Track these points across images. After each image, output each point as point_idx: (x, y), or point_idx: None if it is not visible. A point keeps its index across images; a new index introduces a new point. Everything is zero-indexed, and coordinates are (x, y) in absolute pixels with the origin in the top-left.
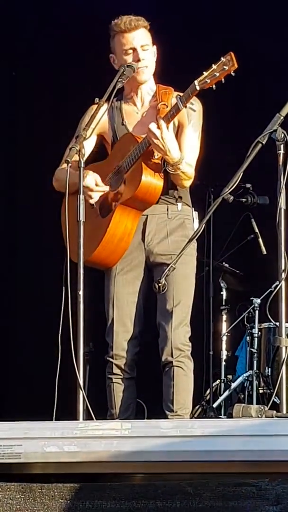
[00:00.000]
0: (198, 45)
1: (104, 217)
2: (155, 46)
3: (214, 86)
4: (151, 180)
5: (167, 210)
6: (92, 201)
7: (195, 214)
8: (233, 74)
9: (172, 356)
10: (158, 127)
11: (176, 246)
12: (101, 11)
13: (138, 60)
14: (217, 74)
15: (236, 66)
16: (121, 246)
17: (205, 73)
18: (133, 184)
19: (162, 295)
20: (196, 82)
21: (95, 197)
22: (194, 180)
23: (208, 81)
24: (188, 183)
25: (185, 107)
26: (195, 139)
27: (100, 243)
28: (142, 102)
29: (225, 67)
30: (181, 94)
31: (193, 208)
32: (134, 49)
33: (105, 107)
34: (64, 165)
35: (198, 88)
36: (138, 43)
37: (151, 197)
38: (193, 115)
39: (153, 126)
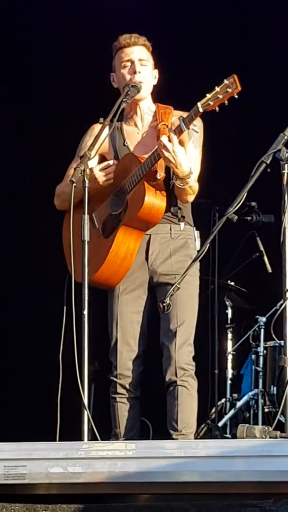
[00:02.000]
0: (201, 64)
1: (106, 238)
2: (156, 70)
3: (217, 108)
4: (154, 201)
5: (170, 229)
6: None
7: (197, 233)
8: (236, 96)
9: (176, 376)
10: (170, 140)
11: (180, 266)
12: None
13: (134, 73)
14: (220, 97)
15: (239, 88)
16: (124, 266)
17: (208, 96)
18: (136, 205)
19: (166, 314)
20: (199, 104)
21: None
22: (197, 197)
23: (211, 103)
24: (192, 198)
25: (188, 128)
26: (197, 155)
27: (103, 264)
28: (143, 122)
29: (228, 89)
30: (182, 113)
31: (194, 228)
32: (132, 62)
33: (92, 128)
34: (66, 182)
35: (201, 110)
36: (136, 56)
37: (154, 218)
38: (193, 132)
39: (164, 139)
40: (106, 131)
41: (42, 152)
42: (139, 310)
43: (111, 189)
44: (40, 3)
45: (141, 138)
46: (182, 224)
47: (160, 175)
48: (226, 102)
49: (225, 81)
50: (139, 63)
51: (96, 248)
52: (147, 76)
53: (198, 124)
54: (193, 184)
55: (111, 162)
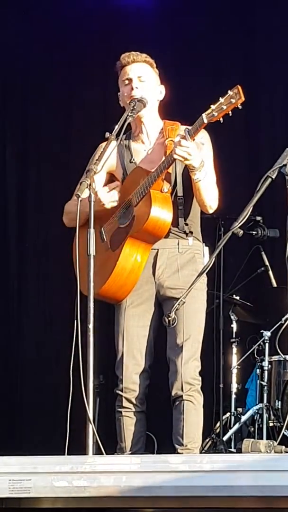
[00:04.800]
0: (208, 80)
1: (114, 251)
2: (162, 86)
3: (221, 119)
4: (160, 213)
5: (178, 244)
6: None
7: (206, 249)
8: (240, 107)
9: (182, 391)
10: (182, 138)
11: (187, 281)
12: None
13: (131, 89)
14: (225, 107)
15: (243, 99)
16: (131, 279)
17: (213, 107)
18: (143, 217)
19: (172, 329)
20: (204, 115)
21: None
22: (203, 212)
23: (216, 114)
24: (213, 204)
25: (193, 140)
26: (210, 167)
27: (110, 276)
28: (149, 139)
29: (232, 100)
30: (189, 127)
31: (204, 244)
32: (130, 80)
33: (115, 142)
34: (74, 199)
35: (205, 121)
36: (135, 74)
37: (160, 231)
38: (201, 147)
39: (177, 138)
40: (113, 145)
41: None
42: (146, 324)
43: (119, 203)
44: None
45: (148, 154)
46: (190, 239)
47: (167, 187)
48: (230, 113)
49: (229, 92)
50: (137, 79)
51: (104, 262)
52: (146, 92)
53: (204, 136)
54: (211, 181)
55: (115, 185)
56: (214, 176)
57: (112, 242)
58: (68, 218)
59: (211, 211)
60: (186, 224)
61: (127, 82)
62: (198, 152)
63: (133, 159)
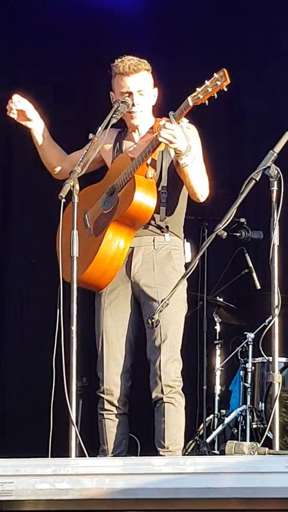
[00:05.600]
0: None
1: (97, 236)
2: (156, 89)
3: (207, 102)
4: (144, 198)
5: (153, 241)
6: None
7: (187, 245)
8: (225, 89)
9: (162, 393)
10: (167, 121)
11: (162, 279)
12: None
13: (133, 105)
14: (210, 90)
15: (228, 81)
16: (113, 265)
17: (198, 89)
18: (126, 201)
19: (151, 331)
20: (189, 98)
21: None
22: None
23: (201, 96)
24: (204, 191)
25: (178, 123)
26: (198, 153)
27: (92, 262)
28: (140, 138)
29: (217, 82)
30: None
31: (185, 240)
32: (130, 93)
33: (100, 140)
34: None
35: (191, 104)
36: (135, 88)
37: (143, 215)
38: (189, 138)
39: (161, 122)
40: (96, 146)
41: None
42: (125, 323)
43: (104, 189)
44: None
45: (134, 149)
46: (166, 235)
47: (152, 173)
48: (215, 95)
49: (215, 75)
50: (137, 94)
51: (87, 248)
52: (145, 105)
53: (192, 130)
54: (199, 166)
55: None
56: (203, 164)
57: (96, 227)
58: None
59: (202, 199)
60: (163, 220)
61: (126, 94)
62: (184, 135)
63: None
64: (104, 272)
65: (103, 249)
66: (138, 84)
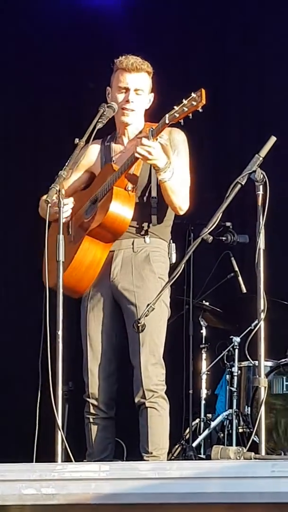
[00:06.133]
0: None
1: (75, 244)
2: (152, 94)
3: (182, 121)
4: (120, 210)
5: (133, 244)
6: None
7: (173, 246)
8: (200, 110)
9: (144, 398)
10: (144, 137)
11: (140, 282)
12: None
13: (127, 102)
14: (186, 109)
15: (204, 102)
16: (89, 274)
17: (176, 108)
18: (103, 212)
19: (131, 335)
20: (166, 116)
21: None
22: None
23: (177, 115)
24: (183, 204)
25: (155, 140)
26: (183, 167)
27: (67, 270)
28: (129, 141)
29: (193, 102)
30: (170, 129)
31: (170, 241)
32: (127, 90)
33: (87, 150)
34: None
35: (167, 121)
36: (134, 85)
37: (119, 227)
38: (177, 145)
39: (141, 136)
40: (82, 150)
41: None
42: (108, 327)
43: (89, 196)
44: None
45: (123, 153)
46: (147, 237)
47: (131, 186)
48: (190, 115)
49: (193, 94)
50: (134, 92)
51: (67, 254)
52: (139, 105)
53: (180, 136)
54: (177, 181)
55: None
56: (185, 176)
57: (75, 235)
58: (41, 213)
59: (181, 212)
60: (145, 223)
61: (123, 90)
62: (161, 151)
63: (114, 160)
64: (79, 280)
65: (78, 258)
66: (136, 82)
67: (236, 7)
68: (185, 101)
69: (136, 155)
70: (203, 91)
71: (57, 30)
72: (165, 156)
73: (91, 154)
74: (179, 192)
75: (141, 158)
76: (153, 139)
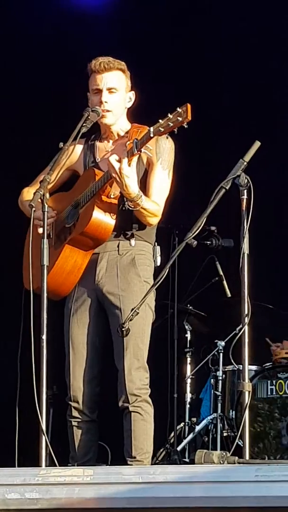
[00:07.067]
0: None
1: (56, 249)
2: (132, 92)
3: (167, 135)
4: (102, 218)
5: (118, 246)
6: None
7: (158, 248)
8: (185, 126)
9: (128, 402)
10: (119, 161)
11: (125, 285)
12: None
13: (101, 103)
14: (171, 124)
15: (189, 118)
16: (70, 279)
17: (161, 121)
18: (85, 220)
19: (115, 339)
20: (151, 129)
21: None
22: (160, 221)
23: (162, 129)
24: (153, 220)
25: (140, 152)
26: (164, 177)
27: (48, 274)
28: (115, 140)
29: (179, 118)
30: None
31: (155, 244)
32: (100, 91)
33: (70, 150)
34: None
35: (152, 135)
36: (106, 85)
37: (100, 235)
38: (162, 153)
39: (112, 159)
40: (66, 155)
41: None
42: (92, 330)
43: (71, 199)
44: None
45: (108, 153)
46: (132, 240)
47: (114, 193)
48: (175, 130)
49: (178, 109)
50: (107, 92)
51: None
52: (115, 104)
53: (167, 144)
54: (148, 206)
55: (54, 213)
56: (164, 185)
57: (56, 240)
58: (21, 208)
59: (150, 225)
60: (130, 226)
61: (96, 91)
62: (135, 183)
63: (97, 159)
64: (60, 285)
65: (59, 263)
66: (108, 81)
67: (221, 12)
68: (170, 116)
69: (113, 175)
70: (189, 106)
71: (43, 31)
72: (135, 187)
73: (74, 152)
74: (148, 214)
75: (115, 181)
76: (137, 152)
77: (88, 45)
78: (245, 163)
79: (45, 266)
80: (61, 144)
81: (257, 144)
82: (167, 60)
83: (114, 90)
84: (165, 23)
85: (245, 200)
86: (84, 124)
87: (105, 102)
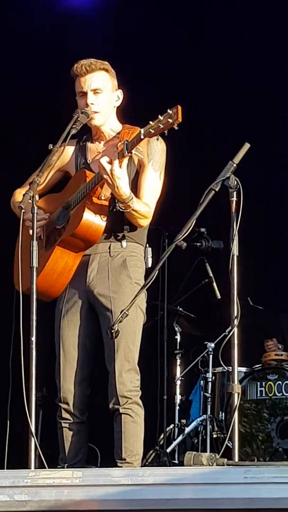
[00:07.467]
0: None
1: (46, 251)
2: (119, 91)
3: (158, 136)
4: (93, 220)
5: (109, 248)
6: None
7: (149, 250)
8: (176, 128)
9: (118, 404)
10: (110, 162)
11: (116, 287)
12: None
13: (87, 105)
14: (162, 126)
15: (179, 120)
16: (60, 281)
17: (151, 123)
18: (76, 221)
19: (106, 340)
20: (142, 130)
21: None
22: (151, 222)
23: (153, 131)
24: (144, 222)
25: (130, 153)
26: (155, 178)
27: (38, 276)
28: (107, 141)
29: (169, 120)
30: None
31: (146, 245)
32: (85, 93)
33: (59, 152)
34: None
35: (142, 137)
36: (90, 87)
37: (91, 237)
38: (154, 154)
39: (103, 160)
40: (57, 156)
41: None
42: (82, 332)
43: (62, 201)
44: None
45: (99, 154)
46: (123, 242)
47: (105, 195)
48: (166, 132)
49: (169, 111)
50: (92, 93)
51: (39, 260)
52: (102, 104)
53: (159, 145)
54: (139, 208)
55: (46, 216)
56: (155, 187)
57: (47, 241)
58: (13, 209)
59: (141, 226)
60: (122, 228)
61: (81, 94)
62: (126, 185)
63: (89, 160)
64: (51, 286)
65: (49, 265)
66: (91, 83)
67: (212, 13)
68: (161, 117)
69: (104, 176)
70: (179, 108)
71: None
72: (127, 189)
73: (65, 153)
74: (138, 215)
75: (106, 183)
76: (128, 153)
77: (88, 45)
78: (234, 165)
79: (35, 268)
80: (50, 146)
81: (246, 146)
82: (167, 60)
83: (99, 90)
84: (165, 23)
85: (234, 202)
86: (73, 126)
87: (91, 104)
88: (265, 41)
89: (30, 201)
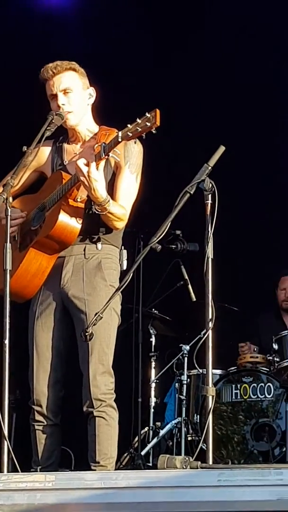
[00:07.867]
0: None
1: (20, 252)
2: (91, 88)
3: (136, 140)
4: (68, 222)
5: (84, 250)
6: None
7: (124, 252)
8: (154, 131)
9: (92, 407)
10: (87, 164)
11: (90, 289)
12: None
13: (58, 107)
14: (139, 129)
15: (157, 124)
16: (34, 282)
17: (129, 126)
18: (51, 223)
19: (81, 343)
20: (120, 133)
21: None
22: (126, 225)
23: (130, 134)
24: (120, 224)
25: (108, 156)
26: (132, 180)
27: (12, 276)
28: (83, 143)
29: (147, 123)
30: (106, 142)
31: (122, 248)
32: (55, 96)
33: (35, 152)
34: None
35: (120, 140)
36: (58, 88)
37: (66, 239)
38: (130, 157)
39: (80, 162)
40: (30, 159)
41: None
42: (56, 334)
43: (38, 202)
44: None
45: (76, 156)
46: (99, 244)
47: (81, 197)
48: (143, 135)
49: (147, 114)
50: (61, 94)
51: (13, 260)
52: (74, 104)
53: (136, 148)
54: (115, 211)
55: (23, 214)
56: (131, 190)
57: (22, 242)
58: None
59: (117, 229)
60: (98, 231)
61: (52, 97)
62: (103, 187)
63: (65, 161)
64: (24, 287)
65: (23, 266)
66: (59, 84)
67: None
68: (139, 121)
69: (80, 178)
70: (158, 111)
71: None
72: (103, 191)
73: (42, 154)
74: (114, 218)
75: (83, 185)
76: (105, 155)
77: (88, 45)
78: (209, 168)
79: (8, 271)
80: (24, 148)
81: (221, 149)
82: (167, 60)
83: (69, 90)
84: (165, 22)
85: (209, 205)
86: (48, 128)
87: (62, 104)
88: (265, 41)
89: (3, 202)
